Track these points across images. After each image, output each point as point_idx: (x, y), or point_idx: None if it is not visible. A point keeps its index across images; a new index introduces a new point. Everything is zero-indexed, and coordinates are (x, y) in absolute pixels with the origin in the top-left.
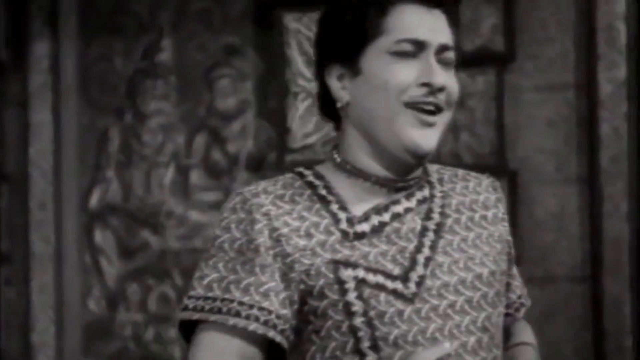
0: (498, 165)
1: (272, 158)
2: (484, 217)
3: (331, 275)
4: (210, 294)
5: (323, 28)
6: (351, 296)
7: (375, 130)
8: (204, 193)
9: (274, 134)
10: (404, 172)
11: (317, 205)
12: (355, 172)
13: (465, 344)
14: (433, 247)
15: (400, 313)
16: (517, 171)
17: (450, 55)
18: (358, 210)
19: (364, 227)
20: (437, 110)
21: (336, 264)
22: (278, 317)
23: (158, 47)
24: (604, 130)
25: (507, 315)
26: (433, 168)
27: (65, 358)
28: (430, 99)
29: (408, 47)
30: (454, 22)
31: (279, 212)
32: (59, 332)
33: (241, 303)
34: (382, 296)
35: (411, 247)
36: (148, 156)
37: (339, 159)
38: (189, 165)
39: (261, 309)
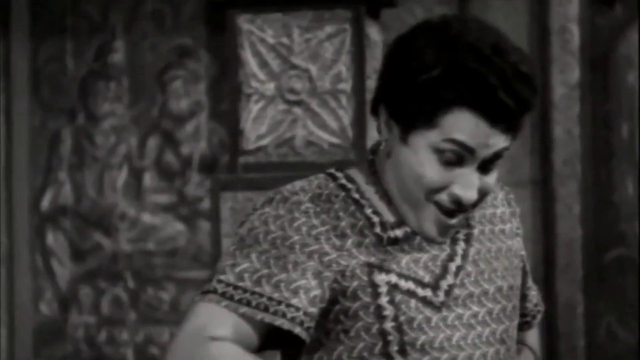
0: None
1: (225, 160)
2: (502, 231)
3: (365, 278)
4: (240, 284)
5: (385, 72)
6: (383, 300)
7: (403, 198)
8: (157, 195)
9: (227, 136)
10: None
11: (352, 207)
12: (385, 194)
13: (486, 354)
14: (464, 256)
15: (428, 320)
16: None
17: (502, 155)
18: (390, 216)
19: (397, 232)
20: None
21: (370, 267)
22: (305, 314)
23: (110, 49)
24: (557, 132)
25: (525, 323)
26: None
27: None
28: (457, 208)
29: (454, 148)
30: (520, 126)
31: (317, 210)
32: (10, 334)
33: (270, 299)
34: (413, 302)
35: (443, 255)
36: (100, 158)
37: (373, 176)
38: (141, 167)
39: (289, 305)
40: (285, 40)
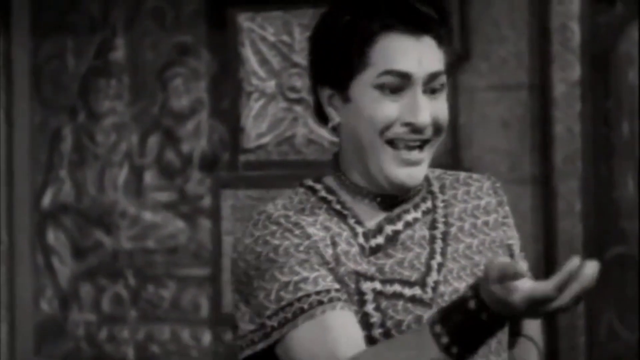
0: (452, 164)
1: (226, 158)
2: (486, 223)
3: (353, 286)
4: (283, 303)
5: (313, 49)
6: (369, 308)
7: (364, 158)
8: (158, 193)
9: (228, 134)
10: (397, 193)
11: (336, 218)
12: (354, 189)
13: None
14: (443, 254)
15: (418, 319)
16: (470, 170)
17: (441, 80)
18: (371, 222)
19: (379, 239)
20: (424, 143)
21: (358, 275)
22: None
23: (111, 46)
24: (557, 130)
25: None
26: (434, 174)
27: (18, 358)
28: (415, 136)
29: (392, 79)
30: (447, 40)
31: (304, 223)
32: (11, 332)
33: (318, 292)
34: (400, 304)
35: (425, 253)
36: (101, 156)
37: (339, 173)
38: (142, 165)
39: (337, 290)
40: (285, 38)
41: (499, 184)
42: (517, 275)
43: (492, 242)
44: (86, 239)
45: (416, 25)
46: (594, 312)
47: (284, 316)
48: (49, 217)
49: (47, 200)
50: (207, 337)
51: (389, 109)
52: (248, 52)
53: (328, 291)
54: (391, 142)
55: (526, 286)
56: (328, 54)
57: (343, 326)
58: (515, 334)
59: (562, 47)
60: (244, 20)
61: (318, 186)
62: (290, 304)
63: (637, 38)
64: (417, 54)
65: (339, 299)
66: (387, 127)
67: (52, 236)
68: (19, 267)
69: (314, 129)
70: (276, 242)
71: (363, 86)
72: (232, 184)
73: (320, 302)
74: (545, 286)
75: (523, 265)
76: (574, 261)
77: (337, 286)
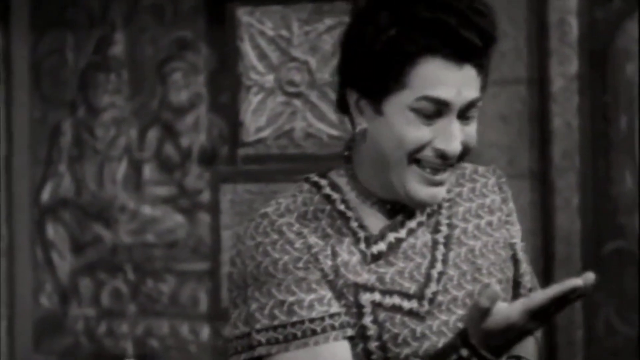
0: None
1: (225, 152)
2: (490, 224)
3: (351, 299)
4: (276, 322)
5: (347, 53)
6: (367, 320)
7: (386, 171)
8: (157, 187)
9: (227, 128)
10: (415, 208)
11: (338, 222)
12: (364, 192)
13: None
14: (445, 261)
15: (413, 332)
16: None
17: (477, 107)
18: (374, 226)
19: (381, 246)
20: (450, 166)
21: (357, 287)
22: (345, 314)
23: (110, 41)
24: (556, 124)
25: None
26: None
27: (17, 353)
28: (442, 161)
29: (429, 106)
30: (486, 69)
31: (307, 231)
32: (10, 327)
33: (312, 320)
34: (398, 318)
35: (426, 262)
36: (100, 150)
37: (352, 172)
38: (141, 159)
39: (331, 315)
40: (284, 32)
41: (504, 178)
42: (491, 301)
43: (495, 243)
44: (85, 233)
45: (460, 53)
46: (591, 307)
47: (274, 336)
48: (49, 211)
49: (46, 195)
50: (205, 332)
51: (422, 133)
52: (247, 47)
53: (322, 319)
54: (417, 161)
55: (517, 304)
56: (363, 64)
57: (334, 358)
58: None
59: (560, 42)
60: (243, 15)
61: (323, 182)
62: (283, 326)
63: (635, 33)
64: (457, 83)
65: (332, 328)
66: (418, 150)
67: (52, 231)
68: (18, 262)
69: (313, 122)
70: (276, 255)
71: (398, 106)
72: (231, 178)
73: (314, 332)
74: (541, 297)
75: (489, 291)
76: (576, 281)
77: (332, 310)
